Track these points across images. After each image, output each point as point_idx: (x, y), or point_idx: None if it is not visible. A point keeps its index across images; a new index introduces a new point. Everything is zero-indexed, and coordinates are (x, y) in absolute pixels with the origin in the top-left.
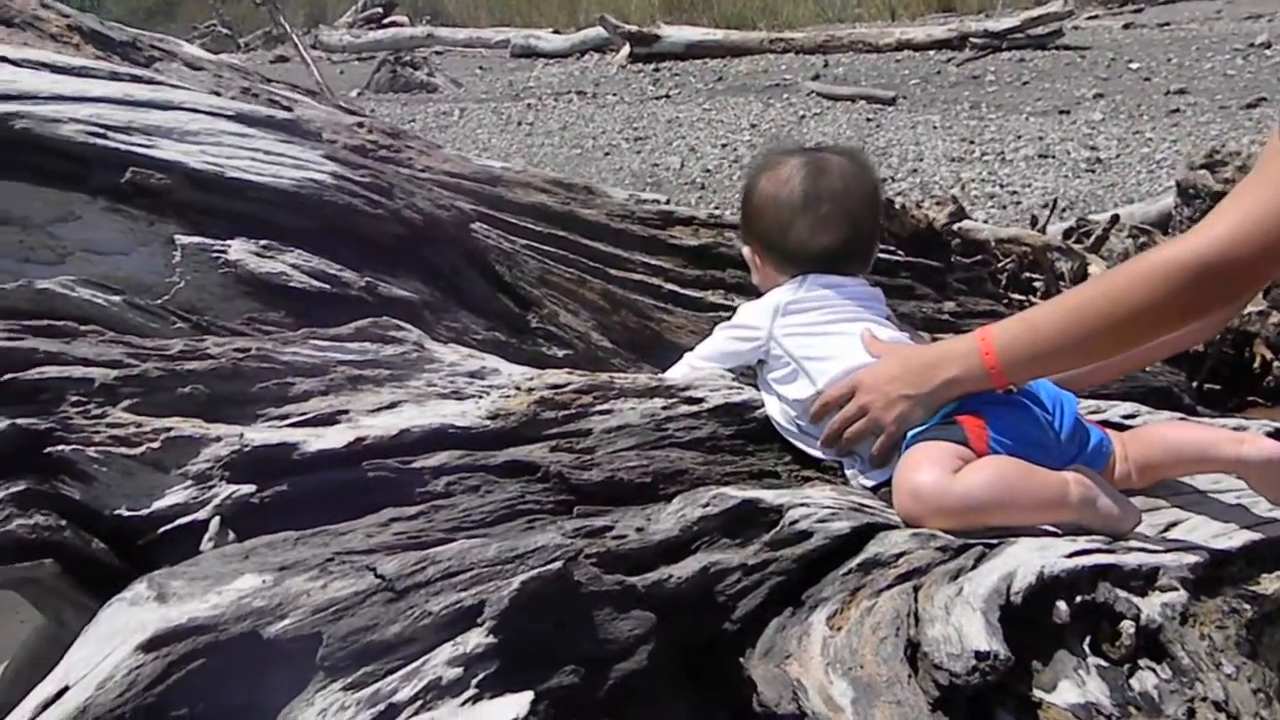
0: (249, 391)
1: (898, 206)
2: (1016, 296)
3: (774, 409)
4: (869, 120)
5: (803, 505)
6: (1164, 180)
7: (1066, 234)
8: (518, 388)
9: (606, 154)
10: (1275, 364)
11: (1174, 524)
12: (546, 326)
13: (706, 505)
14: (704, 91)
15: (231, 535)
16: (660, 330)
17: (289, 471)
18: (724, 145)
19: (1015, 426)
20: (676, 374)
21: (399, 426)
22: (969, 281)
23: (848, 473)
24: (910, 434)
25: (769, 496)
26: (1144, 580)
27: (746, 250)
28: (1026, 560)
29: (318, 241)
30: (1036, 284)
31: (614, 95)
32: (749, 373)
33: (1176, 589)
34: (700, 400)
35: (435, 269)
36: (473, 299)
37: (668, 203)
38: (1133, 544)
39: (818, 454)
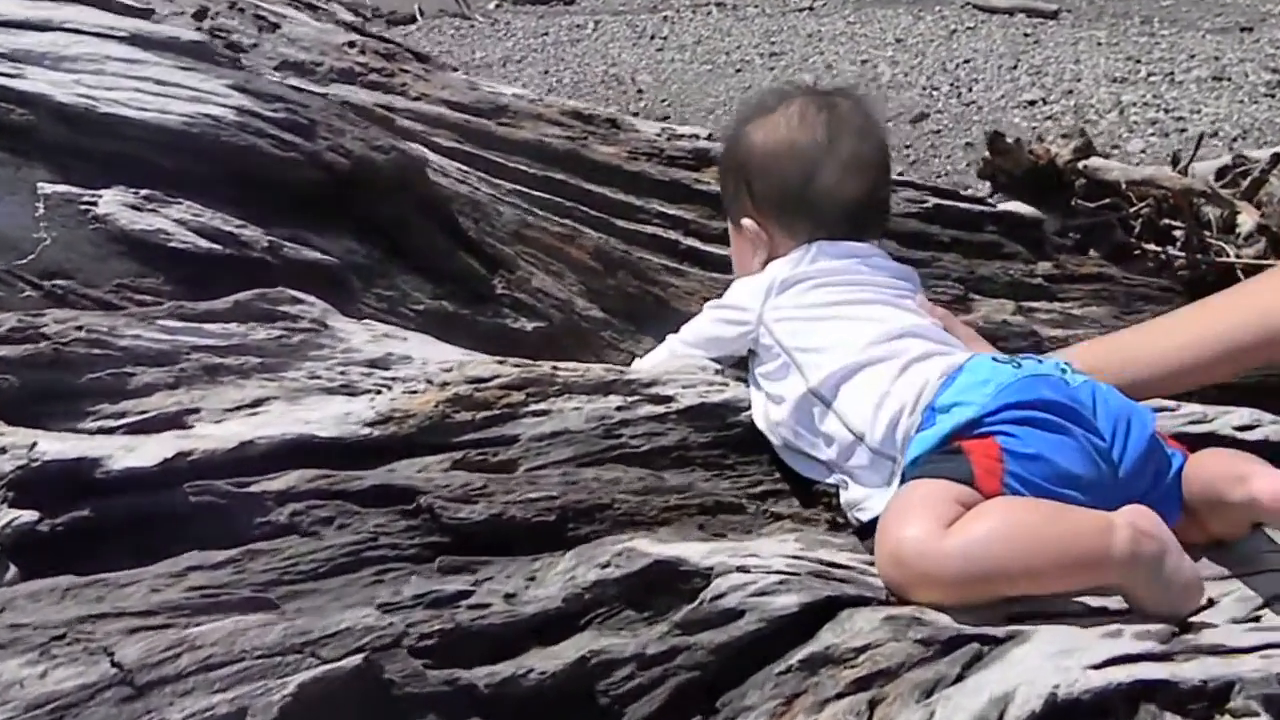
0: (76, 384)
1: (1010, 140)
2: (1150, 247)
3: (759, 411)
4: (1026, 35)
5: (740, 570)
6: None
7: (1220, 173)
8: (429, 381)
9: (738, 70)
10: None
11: (1263, 606)
12: (514, 293)
13: (608, 565)
14: (850, 2)
15: (13, 571)
16: (666, 296)
17: (92, 493)
18: (864, 62)
19: (1046, 456)
20: (649, 362)
21: (242, 436)
22: (1093, 230)
23: (844, 499)
24: (907, 460)
25: (697, 554)
26: (1208, 701)
27: (747, 225)
28: (1035, 674)
29: (218, 192)
30: (1177, 232)
31: (755, 7)
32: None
33: (1257, 714)
34: (668, 399)
35: (373, 223)
36: (423, 259)
37: (709, 137)
38: (1198, 639)
39: (809, 473)
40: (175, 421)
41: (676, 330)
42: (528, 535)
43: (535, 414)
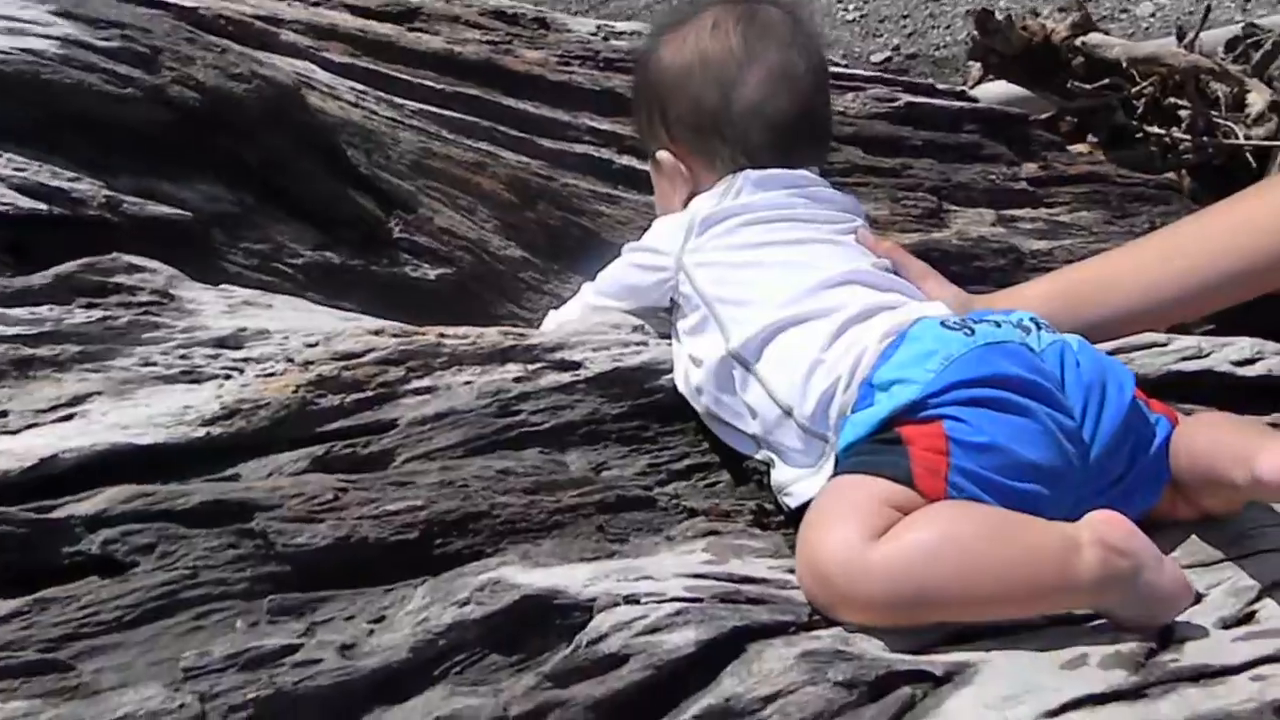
0: None
1: (1000, 17)
2: (1154, 130)
3: (680, 373)
4: None
5: (627, 600)
6: None
7: (1230, 45)
8: (289, 360)
9: None
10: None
11: (1259, 597)
12: (414, 236)
13: (467, 602)
14: None
15: None
16: (596, 227)
17: None
18: None
19: (1001, 444)
20: (560, 318)
21: (42, 450)
22: (1092, 113)
23: (773, 479)
24: (840, 445)
25: (577, 580)
26: None
27: (664, 159)
28: None
29: (43, 139)
30: (1183, 112)
31: None
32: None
33: None
34: (576, 365)
35: (242, 165)
36: (305, 203)
37: None
38: (1179, 658)
39: (736, 445)
40: None
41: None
42: (384, 558)
43: (417, 392)
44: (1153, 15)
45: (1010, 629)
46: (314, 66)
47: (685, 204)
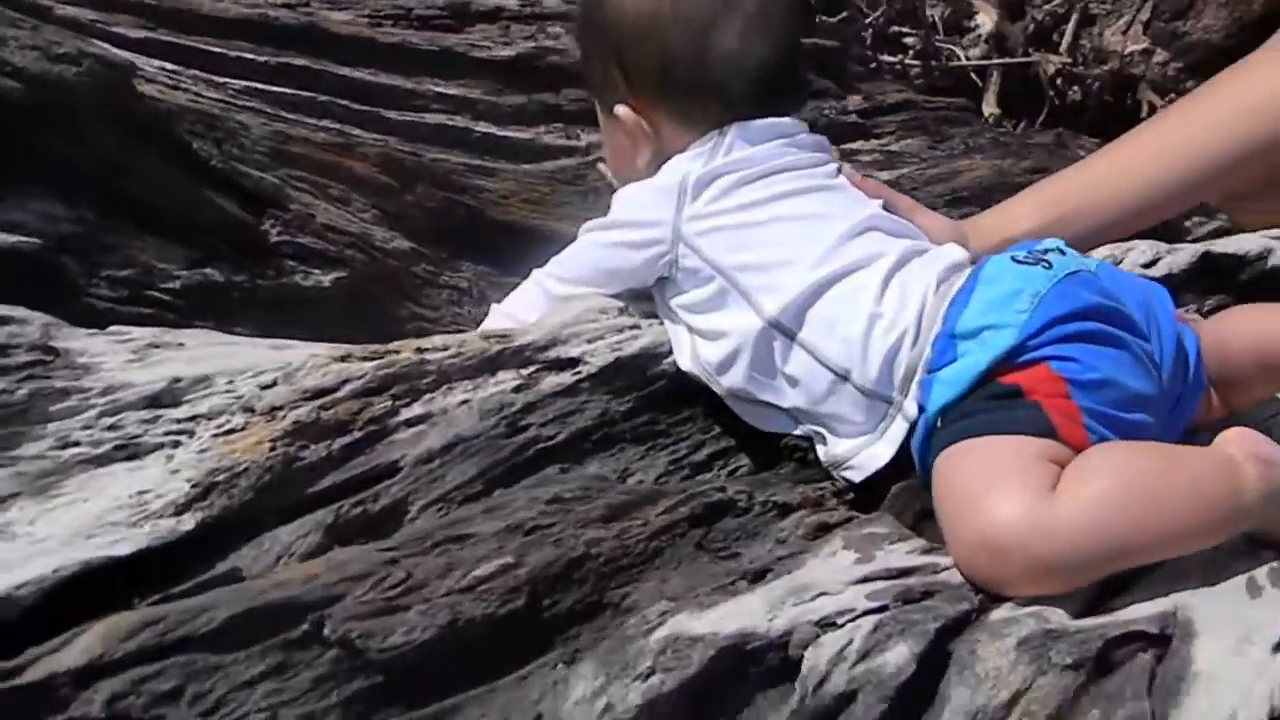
0: None
1: None
2: (887, 59)
3: (686, 354)
4: None
5: (824, 624)
6: None
7: None
8: (249, 410)
9: None
10: (1161, 109)
11: None
12: (296, 238)
13: (652, 672)
14: None
15: None
16: (480, 204)
17: None
18: None
19: (1113, 378)
20: (525, 308)
21: None
22: (844, 54)
23: (823, 455)
24: (932, 408)
25: (759, 613)
26: None
27: (622, 113)
28: (1239, 683)
29: None
30: (909, 39)
31: None
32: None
33: None
34: (575, 362)
35: (76, 171)
36: (157, 211)
37: None
38: None
39: (767, 425)
40: None
41: (506, 244)
42: (494, 637)
43: (410, 423)
44: None
45: (1148, 571)
46: (107, 45)
47: (650, 165)
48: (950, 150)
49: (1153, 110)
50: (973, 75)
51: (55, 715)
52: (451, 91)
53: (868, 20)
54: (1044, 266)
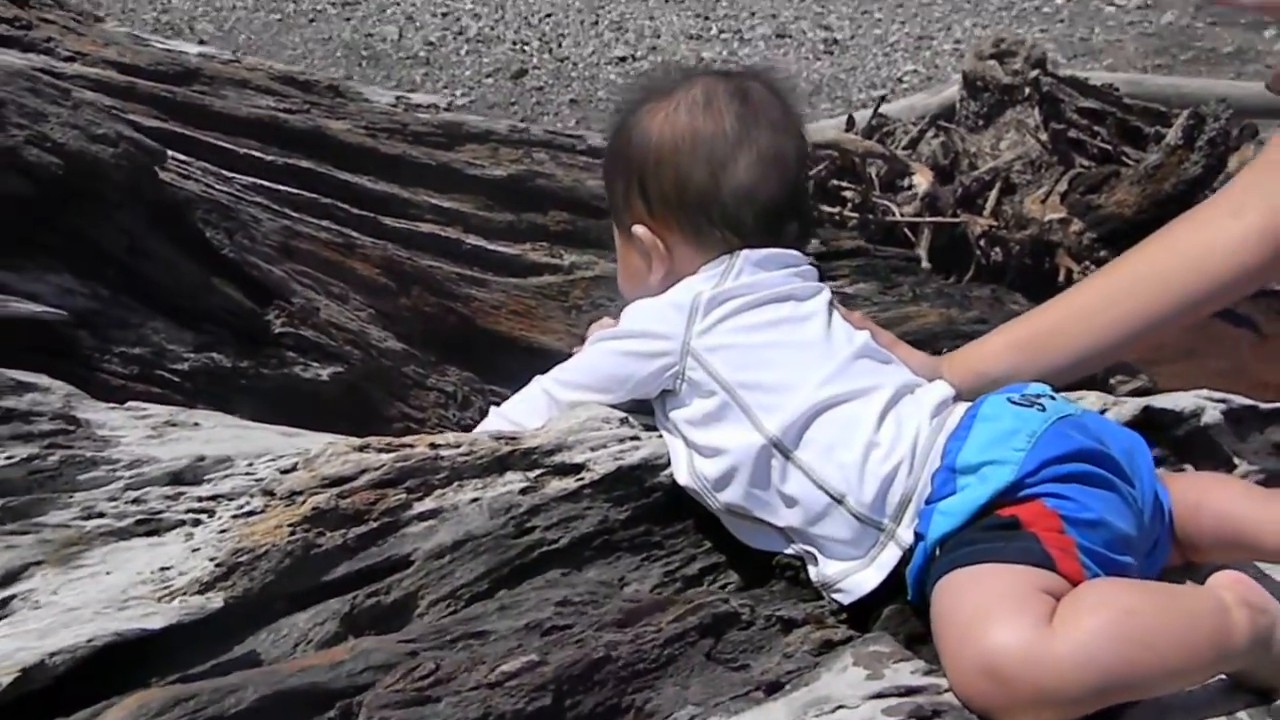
0: None
1: None
2: (826, 209)
3: (684, 468)
4: None
5: None
6: (900, 64)
7: (867, 133)
8: (269, 494)
9: (311, 21)
10: (1077, 275)
11: None
12: (299, 330)
13: None
14: None
15: None
16: (470, 313)
17: None
18: (444, 14)
19: (1105, 519)
20: (527, 414)
21: (17, 657)
22: None
23: (814, 575)
24: (931, 537)
25: None
26: None
27: (640, 233)
28: None
29: None
30: (847, 193)
31: None
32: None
33: None
34: (579, 468)
35: (96, 249)
36: (170, 294)
37: (449, 107)
38: None
39: (760, 544)
40: None
41: (492, 354)
42: None
43: (423, 517)
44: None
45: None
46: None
47: (662, 283)
48: (900, 296)
49: (1069, 275)
50: (906, 230)
51: None
52: (445, 204)
53: (809, 172)
54: (1038, 409)
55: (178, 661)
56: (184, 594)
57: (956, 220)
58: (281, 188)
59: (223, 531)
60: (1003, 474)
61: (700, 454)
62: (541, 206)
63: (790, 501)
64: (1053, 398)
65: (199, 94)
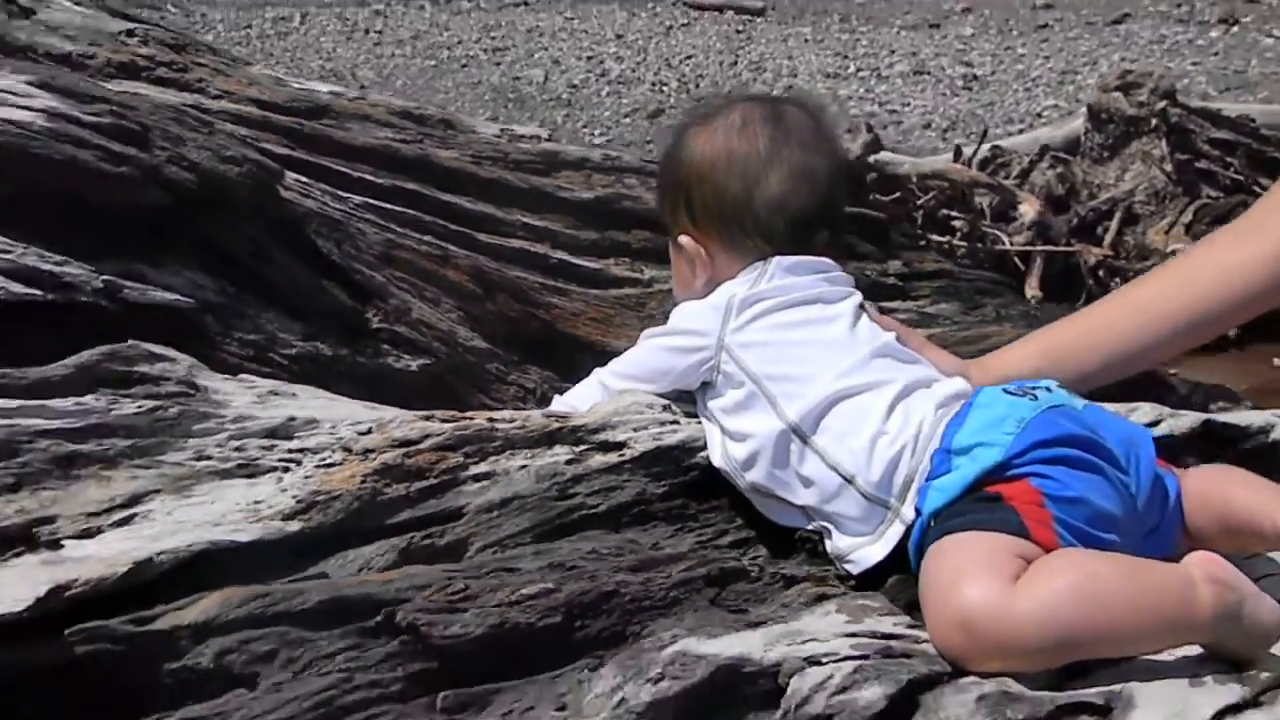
0: None
1: None
2: (935, 238)
3: (718, 451)
4: (739, 32)
5: (810, 661)
6: (1041, 99)
7: (982, 164)
8: (346, 449)
9: (464, 66)
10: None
11: None
12: (393, 327)
13: (661, 678)
14: None
15: None
16: (551, 319)
17: None
18: (589, 58)
19: (1085, 496)
20: (582, 400)
21: (135, 553)
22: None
23: (829, 548)
24: (926, 510)
25: (756, 646)
26: None
27: (685, 243)
28: None
29: (25, 220)
30: (957, 223)
31: (468, 1)
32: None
33: None
34: (620, 445)
35: (223, 252)
36: (284, 293)
37: (550, 138)
38: (1268, 673)
39: (783, 520)
40: (23, 538)
41: (570, 356)
42: (532, 645)
43: (477, 478)
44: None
45: (1106, 662)
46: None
47: (706, 287)
48: (982, 317)
49: None
50: (1015, 259)
51: (174, 662)
52: (536, 223)
53: (919, 202)
54: (1030, 399)
55: (259, 575)
56: (269, 520)
57: (1070, 250)
58: (388, 206)
59: (306, 477)
60: (991, 454)
61: (731, 438)
62: (625, 225)
63: (807, 482)
64: (1050, 390)
65: (325, 126)
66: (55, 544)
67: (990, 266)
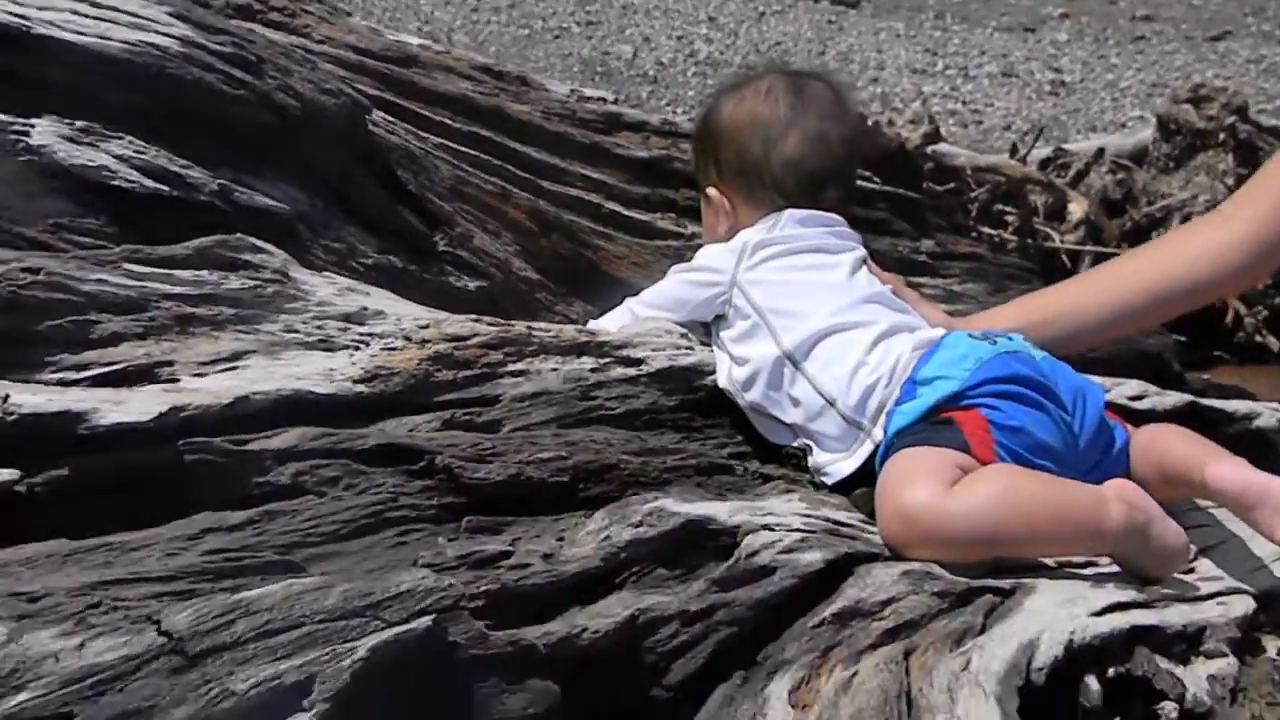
0: (33, 330)
1: (869, 122)
2: (987, 230)
3: (724, 374)
4: (830, 22)
5: (765, 527)
6: (1128, 109)
7: (1043, 164)
8: (407, 338)
9: (556, 37)
10: (1246, 318)
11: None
12: (457, 251)
13: (640, 524)
14: None
15: None
16: (597, 259)
17: (73, 450)
18: (679, 38)
19: (1027, 428)
20: (613, 323)
21: (236, 391)
22: (938, 212)
23: (810, 462)
24: (890, 431)
25: (722, 512)
26: (1187, 644)
27: (712, 194)
28: (1051, 622)
29: (159, 128)
30: (1009, 218)
31: None
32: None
33: (1225, 655)
34: (639, 361)
35: (317, 171)
36: (365, 212)
37: (615, 101)
38: (1169, 590)
39: (774, 436)
40: (148, 374)
41: (609, 293)
42: (542, 495)
43: (514, 374)
44: (946, 141)
45: (1034, 568)
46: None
47: (728, 234)
48: (1007, 299)
49: (1237, 317)
50: (1064, 257)
51: (260, 476)
52: (595, 175)
53: (973, 194)
54: (990, 343)
55: (330, 422)
56: (341, 382)
57: (1117, 253)
58: (462, 149)
59: (373, 356)
60: (949, 385)
61: (735, 363)
62: (674, 185)
63: (796, 402)
64: (1010, 339)
65: (413, 74)
66: (174, 380)
67: (1039, 262)
